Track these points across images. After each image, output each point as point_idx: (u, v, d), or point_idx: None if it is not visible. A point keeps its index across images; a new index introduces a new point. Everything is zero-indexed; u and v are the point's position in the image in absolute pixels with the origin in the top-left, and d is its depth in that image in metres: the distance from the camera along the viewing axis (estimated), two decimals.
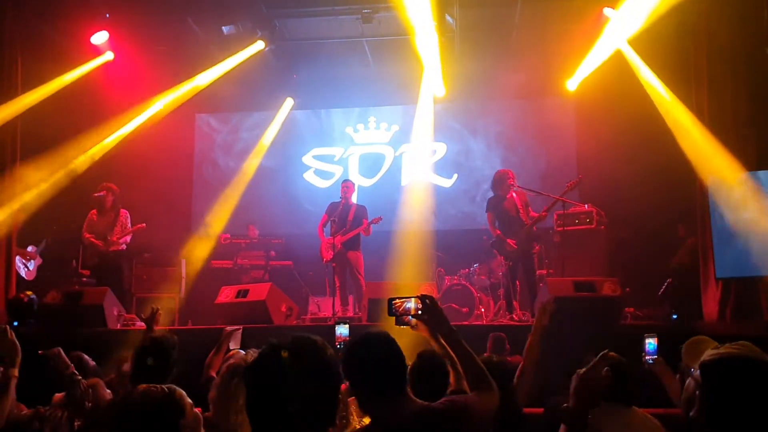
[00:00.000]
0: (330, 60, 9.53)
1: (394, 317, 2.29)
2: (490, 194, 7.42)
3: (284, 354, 1.52)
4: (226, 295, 6.84)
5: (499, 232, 7.11)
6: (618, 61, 7.99)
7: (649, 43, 7.66)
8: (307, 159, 10.43)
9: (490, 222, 7.25)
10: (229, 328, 4.13)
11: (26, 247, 8.22)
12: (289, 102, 10.30)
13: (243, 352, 3.32)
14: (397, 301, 2.26)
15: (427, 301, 2.21)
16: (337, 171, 10.29)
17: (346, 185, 7.95)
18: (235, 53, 8.80)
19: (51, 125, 7.85)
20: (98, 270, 7.45)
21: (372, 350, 2.00)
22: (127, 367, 3.47)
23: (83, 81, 8.36)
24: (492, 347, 5.08)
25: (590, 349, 3.43)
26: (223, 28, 8.55)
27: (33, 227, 7.87)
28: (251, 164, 10.11)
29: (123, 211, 7.51)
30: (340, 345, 3.37)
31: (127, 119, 8.83)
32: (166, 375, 2.91)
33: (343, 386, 1.83)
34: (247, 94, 10.01)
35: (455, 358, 2.20)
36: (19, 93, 7.46)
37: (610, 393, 2.93)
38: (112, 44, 8.52)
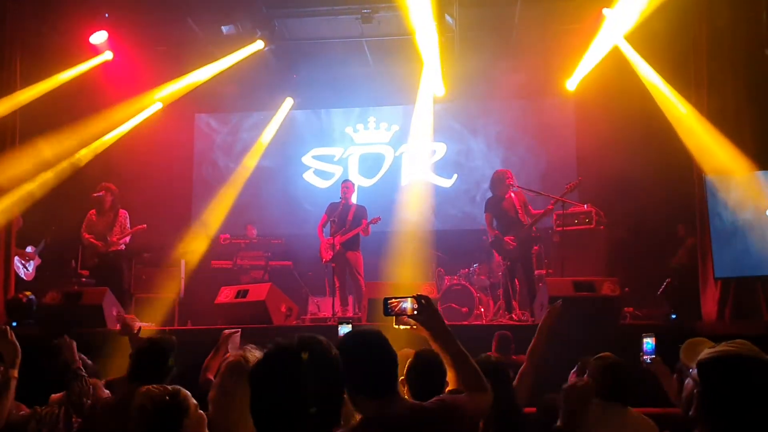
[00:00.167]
0: (330, 60, 9.52)
1: (393, 317, 2.28)
2: (490, 194, 7.42)
3: (305, 356, 1.52)
4: (226, 295, 6.84)
5: (497, 232, 7.11)
6: (617, 60, 7.99)
7: (648, 42, 7.66)
8: (307, 159, 10.42)
9: (488, 222, 7.24)
10: (227, 330, 4.04)
11: (25, 247, 8.22)
12: (288, 102, 10.28)
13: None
14: (393, 300, 2.25)
15: (423, 300, 2.20)
16: (337, 171, 10.29)
17: (346, 185, 7.94)
18: (235, 53, 8.79)
19: (51, 125, 7.84)
20: (97, 270, 7.45)
21: (363, 348, 2.00)
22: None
23: (82, 80, 8.34)
24: (497, 346, 5.08)
25: (589, 348, 3.45)
26: (222, 28, 8.54)
27: (32, 227, 7.87)
28: (251, 164, 10.10)
29: (122, 211, 7.51)
30: None
31: (126, 117, 8.84)
32: (165, 376, 2.89)
33: None
34: (246, 94, 10.00)
35: (450, 359, 2.20)
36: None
37: (606, 393, 2.94)
38: (112, 44, 8.51)
